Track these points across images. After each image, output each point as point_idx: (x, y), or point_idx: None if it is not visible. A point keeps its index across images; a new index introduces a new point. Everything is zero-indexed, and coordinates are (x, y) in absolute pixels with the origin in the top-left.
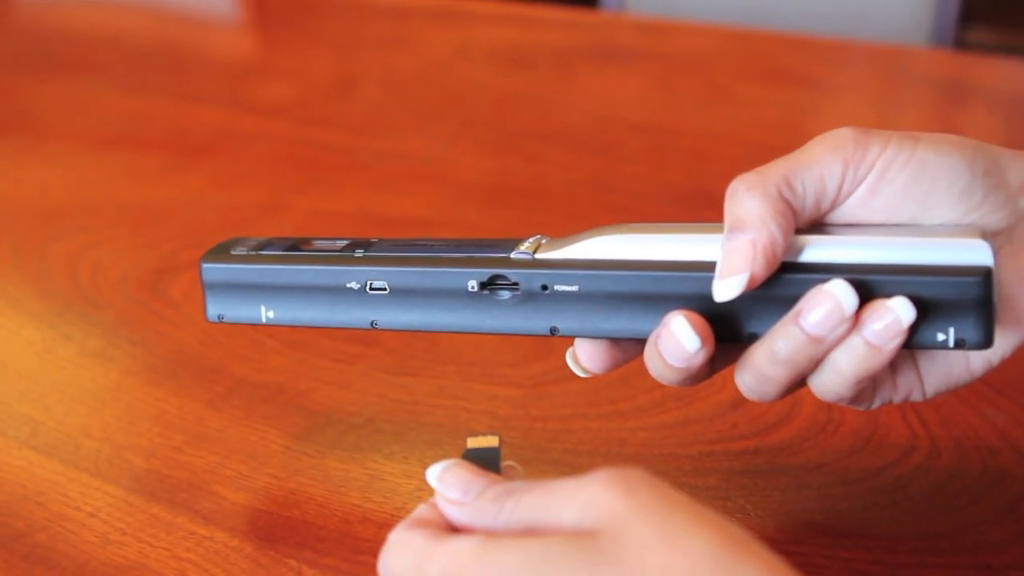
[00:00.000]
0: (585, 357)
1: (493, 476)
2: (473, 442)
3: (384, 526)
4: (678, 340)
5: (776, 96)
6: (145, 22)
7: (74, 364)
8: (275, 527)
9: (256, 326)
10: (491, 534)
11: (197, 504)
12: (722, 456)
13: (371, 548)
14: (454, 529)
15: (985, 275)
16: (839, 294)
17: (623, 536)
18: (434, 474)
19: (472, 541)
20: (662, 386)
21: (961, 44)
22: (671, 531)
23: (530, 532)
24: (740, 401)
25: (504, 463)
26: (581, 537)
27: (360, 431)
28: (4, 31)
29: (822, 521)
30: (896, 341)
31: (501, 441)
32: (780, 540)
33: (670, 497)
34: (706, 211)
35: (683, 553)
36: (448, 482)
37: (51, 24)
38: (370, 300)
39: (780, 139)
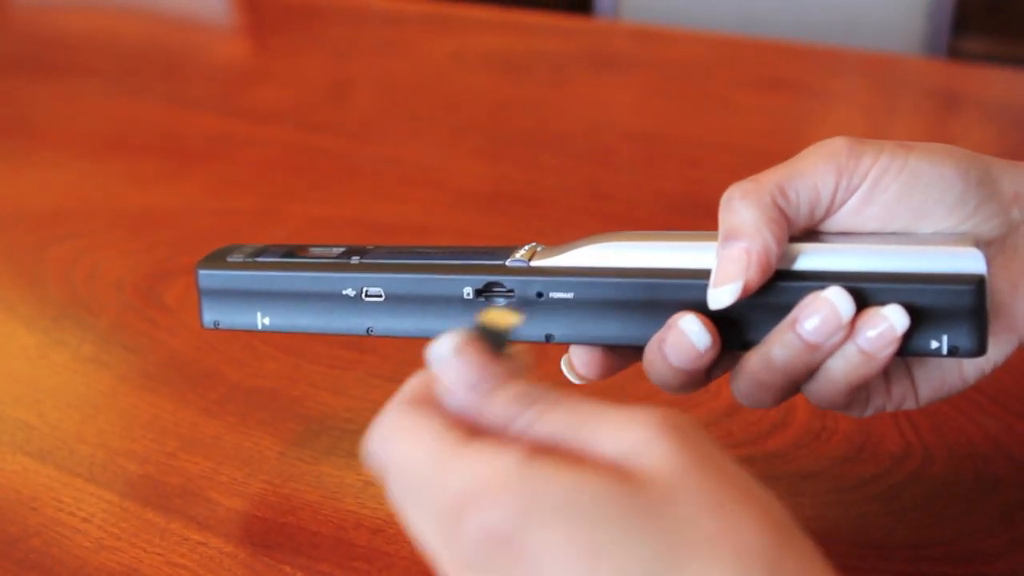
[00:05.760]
0: (580, 364)
1: (512, 367)
2: (488, 317)
3: (379, 532)
4: (688, 339)
5: (770, 104)
6: (140, 26)
7: (68, 369)
8: (270, 533)
9: (251, 332)
10: (534, 450)
11: (192, 510)
12: None
13: (365, 554)
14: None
15: (978, 283)
16: (836, 301)
17: (677, 493)
18: (444, 349)
19: (510, 456)
20: (657, 394)
21: (954, 53)
22: (724, 502)
23: (566, 453)
24: (735, 409)
25: (512, 349)
26: (632, 483)
27: (355, 437)
28: None
29: (816, 529)
30: (890, 349)
31: (516, 328)
32: None
33: (721, 461)
34: (700, 219)
35: (734, 530)
36: (462, 362)
37: (46, 28)
38: (366, 307)
39: (774, 147)
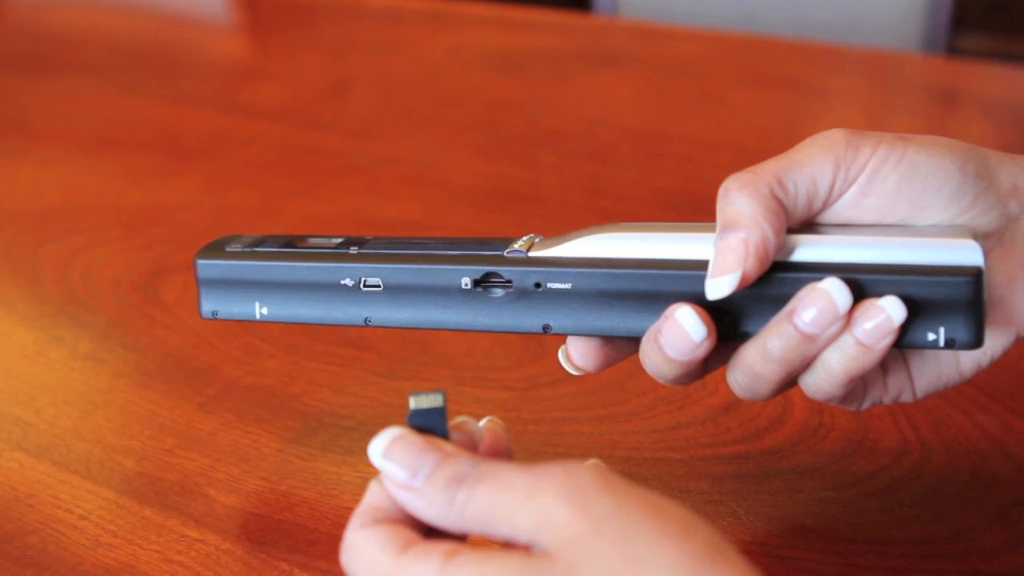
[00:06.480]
0: (577, 355)
1: (442, 448)
2: (416, 402)
3: None
4: (684, 330)
5: (768, 101)
6: (138, 24)
7: (66, 366)
8: (267, 530)
9: (248, 327)
10: (451, 552)
11: (189, 507)
12: (714, 460)
13: None
14: (407, 516)
15: (976, 275)
16: (833, 292)
17: (581, 562)
18: (378, 451)
19: (431, 565)
20: (655, 390)
21: (953, 50)
22: (631, 553)
23: (485, 540)
24: (732, 405)
25: (453, 421)
26: (539, 563)
27: (352, 434)
28: None
29: (813, 525)
30: (887, 340)
31: (446, 398)
32: (771, 544)
33: (628, 506)
34: (698, 216)
35: None
36: (395, 460)
37: (44, 25)
38: (364, 297)
39: (772, 144)
